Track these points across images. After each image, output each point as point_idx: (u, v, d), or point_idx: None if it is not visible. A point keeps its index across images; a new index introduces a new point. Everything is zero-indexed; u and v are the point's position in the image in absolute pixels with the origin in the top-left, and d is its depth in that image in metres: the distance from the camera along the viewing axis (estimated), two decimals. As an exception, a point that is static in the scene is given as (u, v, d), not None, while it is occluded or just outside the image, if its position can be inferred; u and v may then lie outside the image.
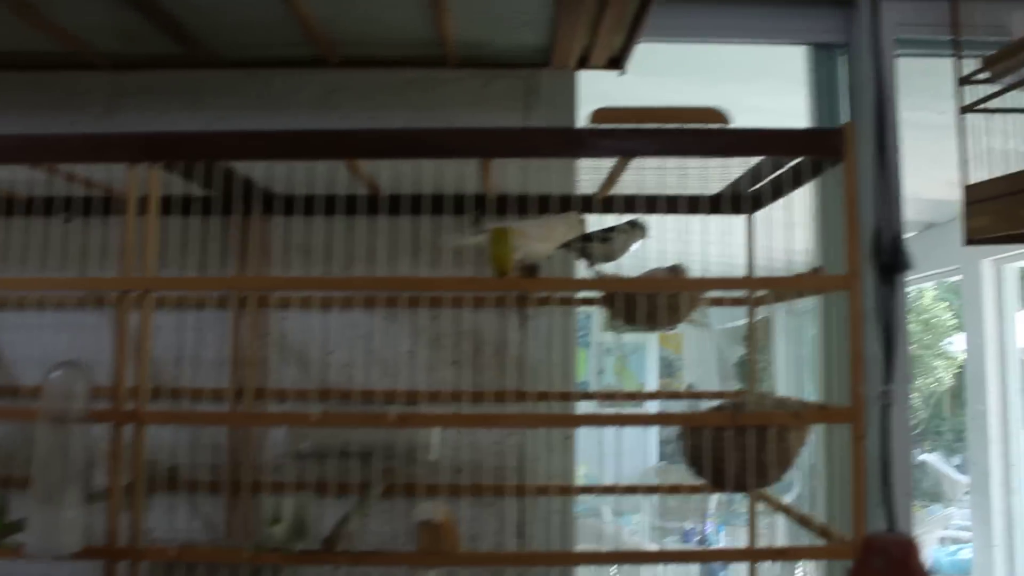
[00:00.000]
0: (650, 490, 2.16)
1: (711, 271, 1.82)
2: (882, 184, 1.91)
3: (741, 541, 6.95)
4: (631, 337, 8.72)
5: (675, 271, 1.86)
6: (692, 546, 6.69)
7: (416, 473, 1.89)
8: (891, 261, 1.89)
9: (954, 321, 9.16)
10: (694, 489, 1.99)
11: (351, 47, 2.09)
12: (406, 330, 2.09)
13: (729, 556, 2.81)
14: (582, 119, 2.17)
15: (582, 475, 4.60)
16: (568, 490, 2.02)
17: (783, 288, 1.79)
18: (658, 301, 1.86)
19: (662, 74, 2.64)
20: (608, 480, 4.27)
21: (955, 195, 2.13)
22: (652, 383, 9.02)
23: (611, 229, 1.94)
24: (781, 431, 1.57)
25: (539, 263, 1.79)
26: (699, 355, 9.67)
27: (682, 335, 9.02)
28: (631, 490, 2.15)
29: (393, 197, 2.02)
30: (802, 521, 1.73)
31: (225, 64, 2.18)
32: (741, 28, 2.32)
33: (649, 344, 8.98)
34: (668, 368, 9.66)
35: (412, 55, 2.12)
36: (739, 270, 2.05)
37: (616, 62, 2.12)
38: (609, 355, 8.92)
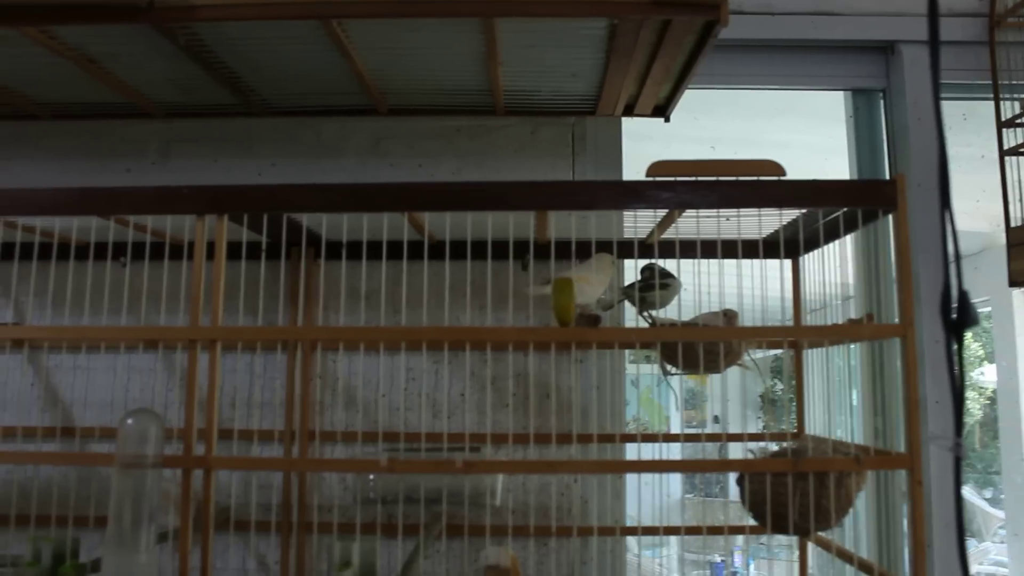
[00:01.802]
0: (734, 530, 2.17)
1: (757, 311, 1.85)
2: (948, 238, 1.93)
3: (772, 574, 6.93)
4: (655, 369, 8.69)
5: (728, 316, 1.88)
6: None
7: (480, 516, 1.92)
8: (960, 317, 1.90)
9: (983, 352, 9.11)
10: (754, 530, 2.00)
11: (401, 96, 2.13)
12: (459, 372, 2.12)
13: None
14: (627, 164, 2.22)
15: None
16: (623, 530, 2.04)
17: (838, 336, 1.81)
18: (710, 346, 1.89)
19: (691, 110, 2.68)
20: (634, 511, 4.26)
21: (980, 226, 2.17)
22: (677, 415, 8.99)
23: (664, 275, 1.97)
24: (841, 476, 1.59)
25: (600, 313, 1.82)
26: (724, 387, 9.65)
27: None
28: (694, 530, 2.16)
29: (448, 243, 2.06)
30: (862, 566, 1.74)
31: (275, 112, 2.24)
32: (782, 75, 2.37)
33: (674, 377, 8.95)
34: (693, 399, 9.65)
35: (461, 103, 2.17)
36: (784, 307, 2.08)
37: (661, 109, 2.16)
38: (634, 387, 8.91)
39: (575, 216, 1.92)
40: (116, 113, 2.25)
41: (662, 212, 1.75)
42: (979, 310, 2.24)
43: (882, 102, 2.38)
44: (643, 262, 2.06)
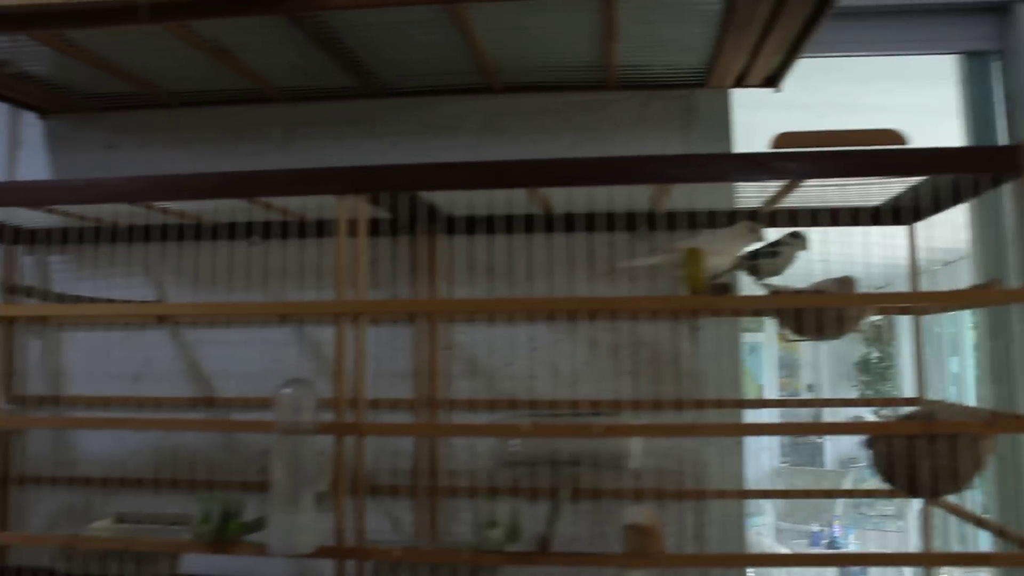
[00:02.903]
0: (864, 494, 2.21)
1: (867, 279, 1.88)
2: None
3: (872, 544, 6.88)
4: (749, 336, 8.65)
5: (844, 283, 1.91)
6: (821, 549, 6.61)
7: (614, 479, 1.99)
8: None
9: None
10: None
11: (515, 74, 2.20)
12: (582, 341, 2.19)
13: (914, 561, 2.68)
14: (739, 132, 2.25)
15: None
16: (742, 493, 2.10)
17: (965, 302, 1.82)
18: (827, 313, 1.92)
19: (797, 78, 2.68)
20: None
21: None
22: (770, 383, 8.94)
23: (776, 243, 2.00)
24: (974, 439, 1.61)
25: (729, 281, 1.87)
26: (817, 355, 9.56)
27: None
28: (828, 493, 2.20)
29: (568, 216, 2.14)
30: (999, 531, 1.77)
31: (393, 94, 2.33)
32: (891, 40, 2.37)
33: (766, 344, 8.91)
34: (786, 368, 9.58)
35: (573, 79, 2.22)
36: (901, 274, 2.09)
37: (771, 80, 2.19)
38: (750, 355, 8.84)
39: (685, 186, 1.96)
40: (241, 99, 2.37)
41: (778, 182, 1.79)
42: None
43: (996, 65, 2.36)
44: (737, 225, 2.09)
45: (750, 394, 8.58)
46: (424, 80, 2.26)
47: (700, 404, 2.11)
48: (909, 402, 2.15)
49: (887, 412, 2.50)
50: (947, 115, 2.47)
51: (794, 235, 2.00)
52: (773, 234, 2.03)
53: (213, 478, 2.21)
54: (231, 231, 2.27)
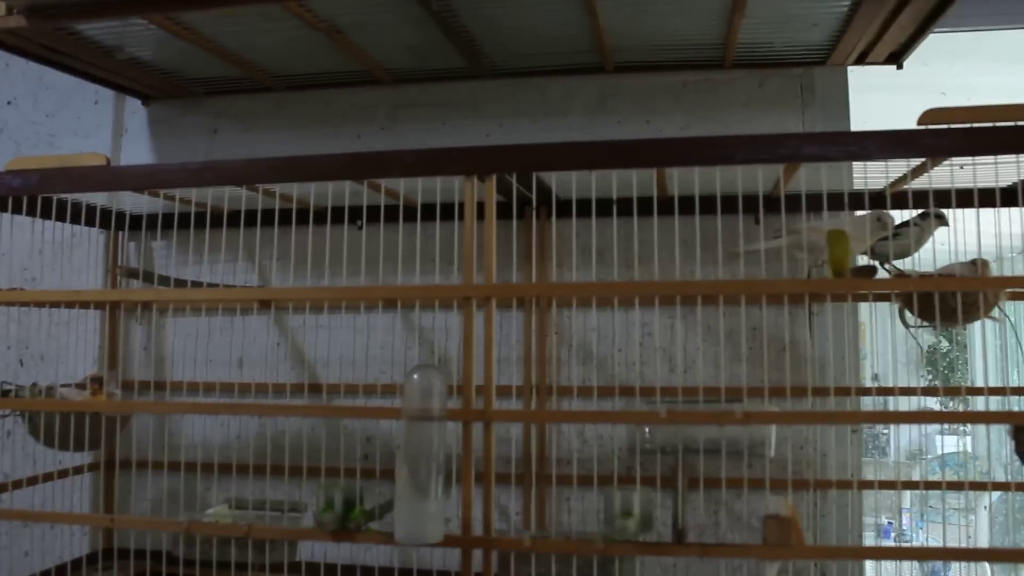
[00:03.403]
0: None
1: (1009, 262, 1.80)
2: None
3: (941, 538, 6.74)
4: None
5: (976, 267, 1.84)
6: (891, 542, 6.49)
7: (741, 468, 1.95)
8: None
9: None
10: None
11: (628, 53, 2.14)
12: (694, 327, 2.14)
13: None
14: (854, 115, 2.18)
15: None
16: (861, 484, 2.04)
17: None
18: (958, 298, 1.84)
19: (916, 56, 2.61)
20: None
21: None
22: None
23: (903, 224, 1.93)
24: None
25: (874, 264, 1.81)
26: (884, 344, 9.40)
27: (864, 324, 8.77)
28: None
29: (683, 199, 2.08)
30: None
31: (500, 74, 2.29)
32: (1013, 13, 2.28)
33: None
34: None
35: (687, 58, 2.17)
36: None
37: (895, 56, 2.11)
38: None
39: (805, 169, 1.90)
40: (345, 82, 2.34)
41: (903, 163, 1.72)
42: None
43: None
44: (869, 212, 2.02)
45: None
46: (535, 59, 2.22)
47: (820, 392, 2.05)
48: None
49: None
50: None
51: (924, 215, 1.92)
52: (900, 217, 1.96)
53: (316, 464, 2.19)
54: (336, 215, 2.25)
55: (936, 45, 2.51)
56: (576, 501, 2.13)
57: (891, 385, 1.95)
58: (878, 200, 2.03)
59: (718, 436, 1.65)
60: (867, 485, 2.04)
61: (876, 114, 1.85)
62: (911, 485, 2.19)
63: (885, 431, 8.68)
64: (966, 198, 1.99)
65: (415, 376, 1.59)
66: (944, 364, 8.97)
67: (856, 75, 2.21)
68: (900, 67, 2.13)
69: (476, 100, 2.33)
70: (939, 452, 7.05)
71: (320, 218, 2.27)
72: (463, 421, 1.63)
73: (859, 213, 1.89)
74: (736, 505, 2.03)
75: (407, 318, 2.25)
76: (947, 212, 1.90)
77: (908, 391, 1.98)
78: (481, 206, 1.64)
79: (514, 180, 1.87)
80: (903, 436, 8.46)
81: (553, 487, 2.12)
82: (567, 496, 2.15)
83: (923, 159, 1.62)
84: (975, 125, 1.53)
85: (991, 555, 1.68)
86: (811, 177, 2.07)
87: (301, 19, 1.90)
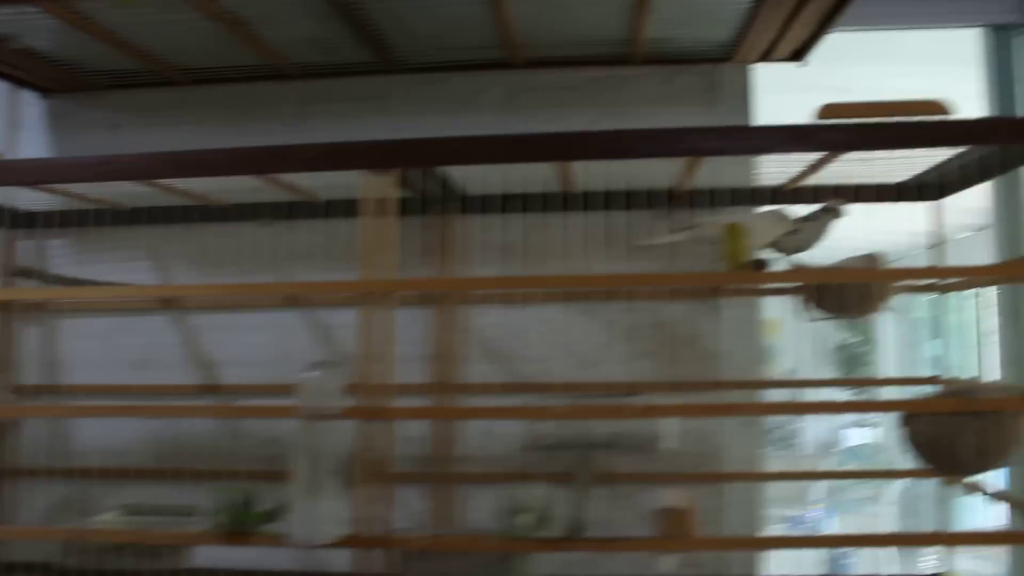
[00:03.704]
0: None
1: (895, 256, 1.84)
2: None
3: (854, 527, 6.88)
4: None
5: (871, 260, 1.87)
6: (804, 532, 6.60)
7: (640, 462, 1.94)
8: None
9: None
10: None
11: (537, 48, 2.14)
12: (599, 322, 2.14)
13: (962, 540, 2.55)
14: (759, 113, 2.21)
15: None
16: (762, 476, 2.06)
17: (997, 275, 1.79)
18: (852, 291, 1.88)
19: (817, 57, 2.66)
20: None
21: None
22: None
23: (801, 219, 1.96)
24: (1013, 416, 1.58)
25: (767, 258, 1.83)
26: (797, 340, 9.56)
27: (780, 320, 8.90)
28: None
29: (586, 194, 2.08)
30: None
31: (411, 69, 2.26)
32: (916, 14, 2.33)
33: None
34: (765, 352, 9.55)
35: (596, 54, 2.17)
36: (909, 253, 2.06)
37: (798, 54, 2.14)
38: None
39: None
40: (252, 76, 2.29)
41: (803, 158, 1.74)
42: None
43: (1020, 40, 2.33)
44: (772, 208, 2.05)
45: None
46: (444, 55, 2.20)
47: (721, 385, 2.07)
48: (929, 381, 2.12)
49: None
50: (969, 97, 2.43)
51: (824, 209, 1.95)
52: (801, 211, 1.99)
53: (218, 467, 2.13)
54: (238, 212, 2.20)
55: (844, 46, 2.56)
56: (483, 499, 2.11)
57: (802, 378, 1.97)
58: (782, 195, 2.06)
59: (616, 431, 1.65)
60: (768, 477, 2.06)
61: (784, 113, 1.86)
62: (810, 475, 2.21)
63: (796, 424, 8.88)
64: (868, 193, 2.05)
65: (309, 374, 1.56)
66: (851, 357, 9.22)
67: (765, 74, 2.24)
68: (803, 64, 2.15)
69: (387, 95, 2.29)
70: (849, 444, 7.23)
71: (225, 215, 2.23)
72: (360, 419, 1.60)
73: (763, 208, 1.90)
74: (641, 499, 2.03)
75: (314, 317, 2.21)
76: (848, 207, 1.93)
77: (807, 383, 2.01)
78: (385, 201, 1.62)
79: (421, 176, 1.85)
80: (813, 429, 8.68)
81: (458, 485, 2.10)
82: (473, 495, 2.12)
83: (822, 153, 1.64)
84: (870, 120, 1.55)
85: (880, 541, 1.71)
86: (716, 172, 2.09)
87: (203, 10, 1.85)
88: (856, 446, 7.16)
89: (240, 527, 1.61)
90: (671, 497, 1.55)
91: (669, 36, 2.05)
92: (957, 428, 1.60)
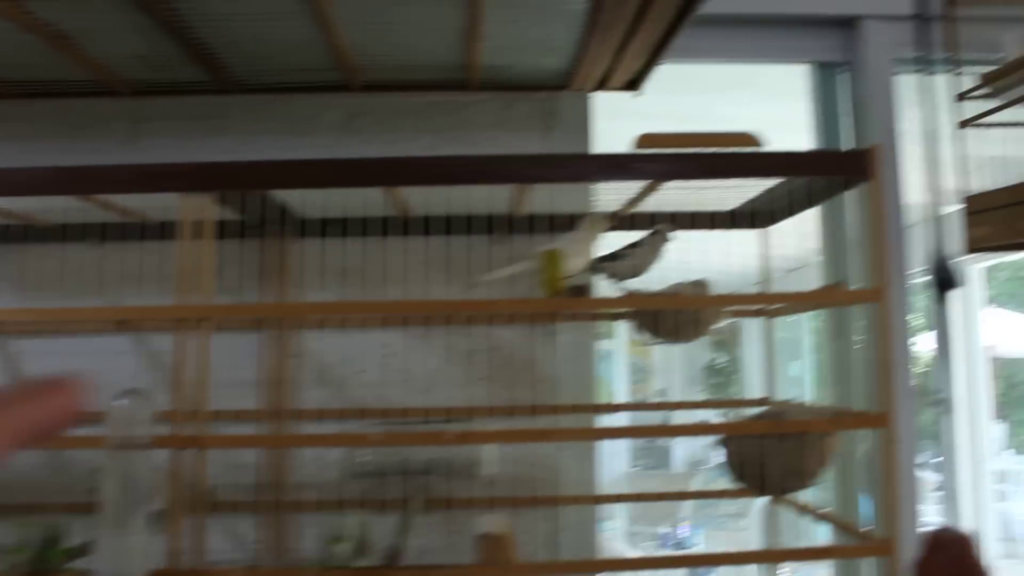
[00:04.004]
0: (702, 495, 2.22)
1: (728, 282, 1.90)
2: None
3: (720, 543, 7.08)
4: (602, 343, 8.77)
5: (699, 286, 1.93)
6: (670, 550, 6.77)
7: (466, 488, 1.94)
8: (946, 279, 2.00)
9: (922, 321, 9.33)
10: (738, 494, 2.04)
11: (374, 72, 2.13)
12: (436, 348, 2.14)
13: (769, 557, 2.67)
14: (599, 141, 2.25)
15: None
16: (597, 499, 2.09)
17: (817, 301, 1.86)
18: (683, 316, 1.93)
19: (656, 87, 2.73)
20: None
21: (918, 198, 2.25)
22: (622, 389, 9.10)
23: (632, 245, 2.00)
24: (820, 437, 1.64)
25: (587, 283, 1.85)
26: (667, 361, 9.80)
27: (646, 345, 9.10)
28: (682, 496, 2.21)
29: (425, 219, 2.08)
30: (841, 525, 1.81)
31: (247, 89, 2.21)
32: (746, 49, 2.42)
33: (618, 350, 9.07)
34: (638, 374, 9.78)
35: (434, 79, 2.17)
36: (750, 279, 2.13)
37: (633, 84, 2.19)
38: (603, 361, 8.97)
39: (543, 189, 1.94)
40: (80, 92, 2.20)
41: (636, 185, 1.79)
42: (916, 280, 2.34)
43: (843, 76, 2.45)
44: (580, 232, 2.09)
45: (602, 400, 8.78)
46: (280, 76, 2.16)
47: (554, 410, 2.09)
48: (758, 403, 2.20)
49: (734, 414, 2.56)
50: (798, 129, 2.54)
51: (653, 233, 2.00)
52: (632, 237, 2.03)
53: (33, 501, 2.03)
54: (64, 233, 2.12)
55: (685, 76, 2.64)
56: (314, 528, 2.07)
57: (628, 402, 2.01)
58: (619, 221, 2.10)
59: (435, 457, 1.65)
60: (599, 500, 2.09)
61: (623, 140, 1.91)
62: (664, 496, 2.26)
63: (668, 444, 9.09)
64: (704, 219, 2.11)
65: (118, 402, 1.50)
66: (718, 377, 9.51)
67: (605, 102, 2.28)
68: (638, 93, 2.20)
69: (223, 115, 2.24)
70: (718, 461, 7.42)
71: (48, 236, 2.14)
72: (173, 448, 1.55)
73: (573, 233, 1.93)
74: (469, 526, 2.03)
75: (142, 342, 2.14)
76: (676, 232, 1.99)
77: (633, 406, 2.04)
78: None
79: (254, 199, 1.82)
80: (684, 447, 8.86)
81: (289, 514, 2.05)
82: (306, 523, 2.08)
83: (641, 181, 1.68)
84: (684, 150, 1.59)
85: (712, 559, 1.75)
86: (557, 197, 2.12)
87: (16, 21, 1.77)
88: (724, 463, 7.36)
89: (43, 565, 1.54)
90: (490, 523, 1.56)
91: (504, 63, 2.07)
92: (767, 449, 1.66)
